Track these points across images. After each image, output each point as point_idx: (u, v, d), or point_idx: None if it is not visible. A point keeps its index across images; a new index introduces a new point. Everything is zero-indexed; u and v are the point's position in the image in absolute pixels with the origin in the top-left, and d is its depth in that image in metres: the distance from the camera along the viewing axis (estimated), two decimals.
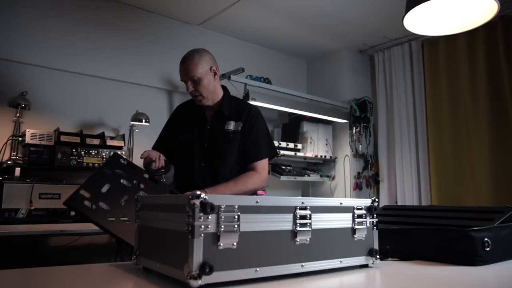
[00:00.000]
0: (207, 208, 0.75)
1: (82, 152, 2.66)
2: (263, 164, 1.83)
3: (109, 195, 1.44)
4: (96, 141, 2.76)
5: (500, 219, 1.15)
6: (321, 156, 4.00)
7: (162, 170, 1.81)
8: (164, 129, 2.04)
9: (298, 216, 0.89)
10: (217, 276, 0.75)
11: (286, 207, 0.88)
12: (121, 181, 1.52)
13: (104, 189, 1.46)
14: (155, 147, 1.97)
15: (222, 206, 0.78)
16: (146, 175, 1.62)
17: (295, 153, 3.78)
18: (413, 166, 3.80)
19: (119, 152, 2.83)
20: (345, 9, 3.36)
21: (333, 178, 4.13)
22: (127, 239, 1.28)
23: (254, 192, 1.86)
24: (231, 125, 1.84)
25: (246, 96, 3.30)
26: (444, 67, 3.66)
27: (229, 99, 1.92)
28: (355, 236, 1.00)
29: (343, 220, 0.99)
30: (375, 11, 3.38)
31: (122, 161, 1.61)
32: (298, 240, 0.88)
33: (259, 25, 3.71)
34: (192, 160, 1.83)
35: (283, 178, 3.66)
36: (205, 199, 0.75)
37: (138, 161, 3.23)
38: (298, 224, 0.89)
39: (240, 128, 1.84)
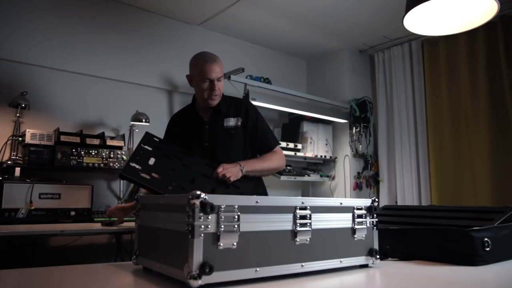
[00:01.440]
0: (207, 208, 0.75)
1: (82, 152, 2.66)
2: (279, 148, 1.99)
3: (157, 167, 1.56)
4: (96, 141, 2.76)
5: (500, 219, 1.15)
6: (321, 156, 4.00)
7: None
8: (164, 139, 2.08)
9: (298, 216, 0.89)
10: (217, 276, 0.75)
11: (286, 207, 0.88)
12: (162, 155, 1.64)
13: (151, 162, 1.57)
14: None
15: (222, 206, 0.78)
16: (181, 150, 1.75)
17: (295, 153, 3.78)
18: (413, 166, 3.80)
19: (122, 150, 2.84)
20: (345, 9, 3.36)
21: (333, 178, 4.13)
22: None
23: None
24: (231, 121, 1.91)
25: (246, 96, 3.30)
26: (444, 67, 3.66)
27: (224, 98, 1.97)
28: (355, 236, 1.00)
29: (343, 220, 0.99)
30: (375, 11, 3.38)
31: (156, 139, 1.70)
32: (298, 240, 0.88)
33: (259, 25, 3.71)
34: None
35: (283, 178, 3.66)
36: (205, 199, 0.75)
37: None
38: (298, 224, 0.89)
39: (240, 123, 1.91)
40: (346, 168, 4.06)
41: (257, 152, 1.97)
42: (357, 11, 3.39)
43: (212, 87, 1.83)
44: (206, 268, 0.73)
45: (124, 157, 2.85)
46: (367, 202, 1.05)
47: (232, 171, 1.71)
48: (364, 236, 1.01)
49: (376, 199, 1.07)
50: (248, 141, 1.93)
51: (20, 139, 2.57)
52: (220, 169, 1.69)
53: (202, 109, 1.95)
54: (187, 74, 1.93)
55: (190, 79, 1.91)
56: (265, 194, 2.02)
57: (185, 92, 3.56)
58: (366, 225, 1.02)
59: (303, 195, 4.31)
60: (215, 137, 1.89)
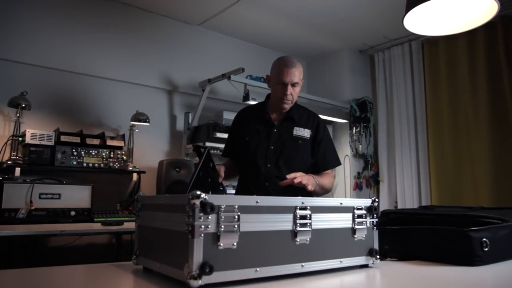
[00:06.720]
0: (207, 208, 0.75)
1: (82, 152, 2.66)
2: (332, 172, 1.98)
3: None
4: (96, 141, 2.76)
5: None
6: None
7: (221, 189, 1.75)
8: (230, 136, 2.07)
9: (298, 216, 0.89)
10: (217, 276, 0.75)
11: (286, 207, 0.88)
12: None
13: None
14: (226, 153, 2.03)
15: (222, 206, 0.78)
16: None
17: None
18: (413, 166, 3.80)
19: (122, 150, 2.83)
20: (345, 9, 3.36)
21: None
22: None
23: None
24: (300, 131, 1.89)
25: (246, 96, 3.29)
26: (444, 67, 3.66)
27: (297, 106, 1.97)
28: (355, 236, 1.00)
29: (343, 220, 0.99)
30: (375, 11, 3.38)
31: (211, 165, 1.56)
32: (298, 240, 0.88)
33: (259, 25, 3.71)
34: (258, 161, 1.85)
35: None
36: (205, 199, 0.75)
37: (138, 162, 3.22)
38: (298, 224, 0.89)
39: (309, 136, 1.90)
40: (346, 168, 4.06)
41: (312, 167, 1.92)
42: (357, 11, 3.39)
43: (285, 91, 1.82)
44: (206, 268, 0.73)
45: (124, 157, 2.85)
46: (367, 202, 1.05)
47: (309, 180, 1.65)
48: (364, 236, 1.01)
49: (376, 199, 1.07)
50: (313, 156, 1.91)
51: (20, 139, 2.57)
52: (296, 177, 1.61)
53: (274, 112, 1.94)
54: (267, 74, 1.94)
55: (268, 80, 1.93)
56: None
57: (185, 92, 3.56)
58: (366, 225, 1.02)
59: None
60: (282, 143, 1.87)
